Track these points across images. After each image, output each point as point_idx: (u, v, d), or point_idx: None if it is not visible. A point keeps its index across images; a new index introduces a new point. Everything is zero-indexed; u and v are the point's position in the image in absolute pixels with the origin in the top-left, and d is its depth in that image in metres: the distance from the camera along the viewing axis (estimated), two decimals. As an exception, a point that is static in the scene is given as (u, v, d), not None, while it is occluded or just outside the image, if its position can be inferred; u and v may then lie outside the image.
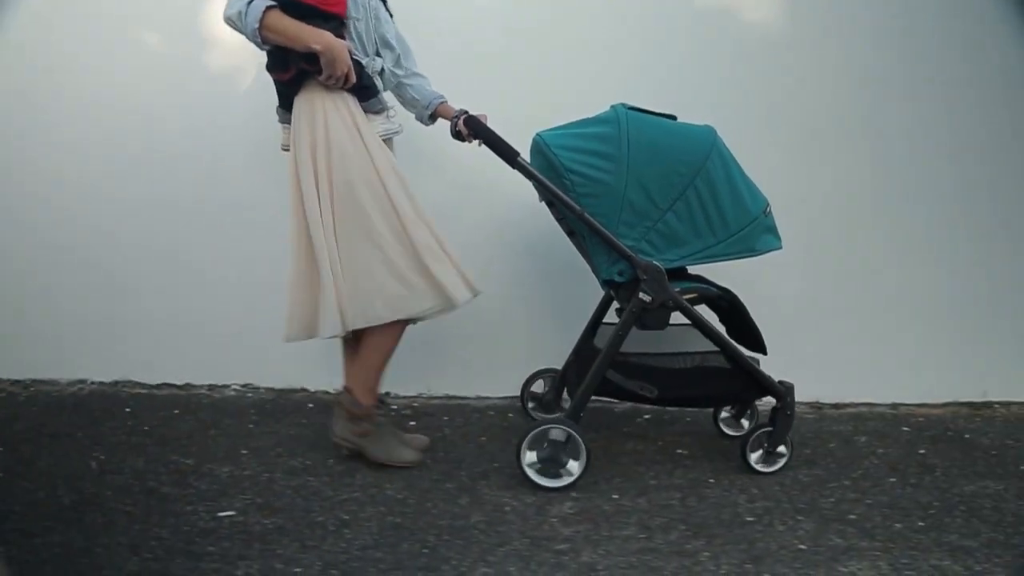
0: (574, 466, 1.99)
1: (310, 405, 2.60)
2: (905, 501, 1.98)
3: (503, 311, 2.62)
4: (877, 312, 2.69)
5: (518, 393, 2.54)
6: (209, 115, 2.59)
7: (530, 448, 1.99)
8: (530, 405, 2.53)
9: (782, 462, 2.12)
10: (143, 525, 1.76)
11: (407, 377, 2.62)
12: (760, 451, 2.11)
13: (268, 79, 1.97)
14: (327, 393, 2.68)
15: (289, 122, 1.98)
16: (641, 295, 1.93)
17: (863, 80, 2.59)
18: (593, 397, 2.03)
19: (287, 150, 2.00)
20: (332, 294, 1.94)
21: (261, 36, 1.81)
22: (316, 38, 1.81)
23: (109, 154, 2.62)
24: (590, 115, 2.01)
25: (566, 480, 1.99)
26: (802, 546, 1.74)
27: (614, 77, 2.54)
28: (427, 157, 2.47)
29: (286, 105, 1.97)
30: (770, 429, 2.09)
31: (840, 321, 2.69)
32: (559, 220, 2.16)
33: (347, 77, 1.87)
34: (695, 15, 2.57)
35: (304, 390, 2.72)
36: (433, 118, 2.23)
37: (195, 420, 2.43)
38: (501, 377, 2.64)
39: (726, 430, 2.40)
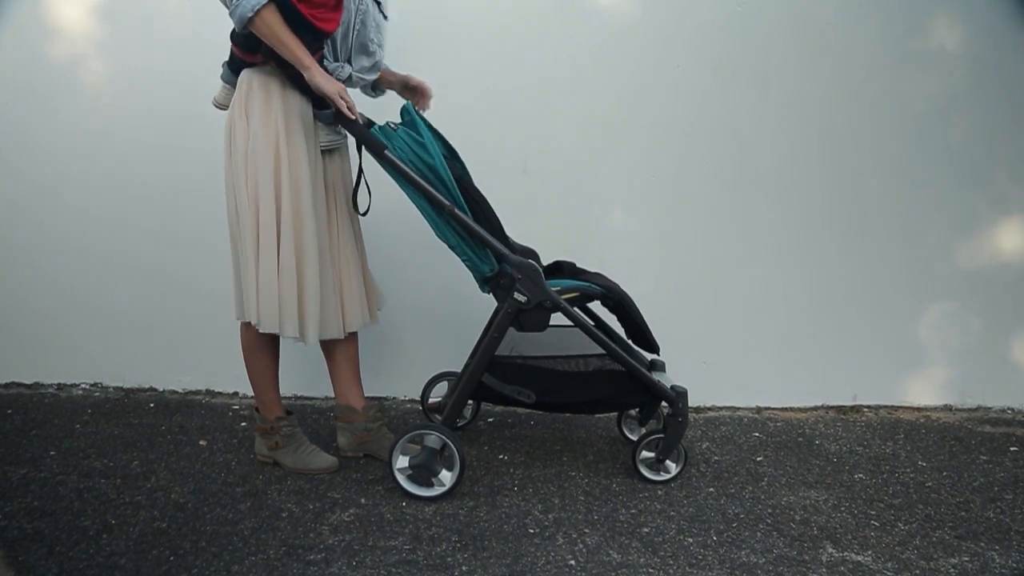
0: (447, 476, 1.89)
1: (151, 405, 2.54)
2: (710, 513, 1.85)
3: (404, 312, 2.50)
4: (741, 313, 2.55)
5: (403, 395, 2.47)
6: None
7: (403, 452, 1.90)
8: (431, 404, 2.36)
9: (671, 475, 2.00)
10: None
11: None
12: (651, 457, 2.00)
13: None
14: (175, 392, 2.64)
15: (232, 84, 1.91)
16: (516, 295, 1.84)
17: (719, 74, 2.44)
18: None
19: (218, 108, 1.96)
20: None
21: (250, 24, 1.71)
22: (324, 84, 1.77)
23: None
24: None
25: (438, 490, 1.89)
26: (572, 561, 1.63)
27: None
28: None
29: (235, 69, 1.89)
30: (662, 435, 1.97)
31: (703, 322, 2.55)
32: None
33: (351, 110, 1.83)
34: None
35: (152, 389, 2.67)
36: (376, 88, 2.12)
37: (23, 420, 2.39)
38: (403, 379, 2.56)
39: (629, 435, 2.28)
